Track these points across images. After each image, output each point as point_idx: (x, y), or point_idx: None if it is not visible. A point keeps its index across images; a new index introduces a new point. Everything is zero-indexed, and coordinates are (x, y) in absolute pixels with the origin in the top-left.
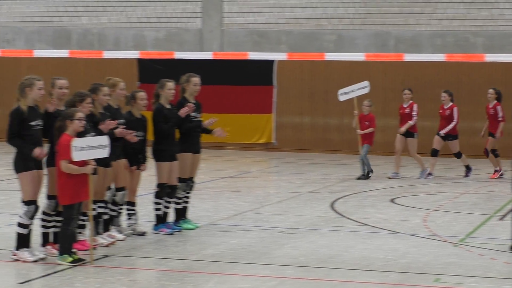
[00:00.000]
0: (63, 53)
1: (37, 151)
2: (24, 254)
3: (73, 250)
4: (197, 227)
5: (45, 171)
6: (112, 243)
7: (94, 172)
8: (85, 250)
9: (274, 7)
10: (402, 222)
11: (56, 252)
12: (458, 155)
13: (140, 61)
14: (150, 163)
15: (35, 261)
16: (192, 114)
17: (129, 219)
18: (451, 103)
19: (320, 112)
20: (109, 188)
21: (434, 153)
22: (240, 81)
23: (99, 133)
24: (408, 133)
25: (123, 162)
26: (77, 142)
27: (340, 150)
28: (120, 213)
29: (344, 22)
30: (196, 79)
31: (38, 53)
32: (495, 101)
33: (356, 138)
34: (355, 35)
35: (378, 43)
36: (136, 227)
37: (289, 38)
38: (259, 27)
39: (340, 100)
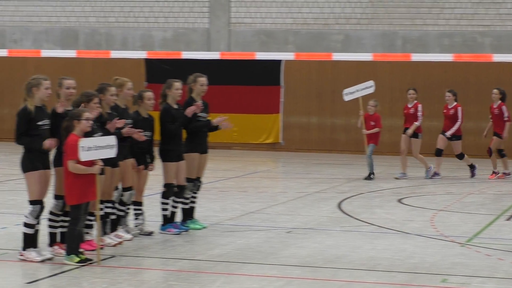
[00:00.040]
0: (71, 53)
1: (47, 142)
2: (31, 254)
3: (80, 250)
4: (204, 227)
5: (52, 171)
6: (119, 243)
7: (102, 172)
8: (92, 250)
9: (281, 7)
10: (409, 222)
11: (63, 252)
12: (460, 156)
13: (148, 61)
14: (157, 163)
15: (42, 261)
16: (199, 114)
17: (136, 219)
18: (455, 103)
19: (327, 112)
20: (116, 188)
21: (438, 152)
22: (247, 81)
23: (107, 133)
24: (413, 134)
25: (130, 162)
26: (84, 142)
27: (347, 150)
28: (127, 213)
29: (352, 22)
30: (203, 79)
31: (45, 53)
32: (500, 101)
33: (363, 138)
34: (362, 35)
35: (386, 43)
36: (143, 227)
37: (296, 38)
38: (266, 27)
39: (345, 100)
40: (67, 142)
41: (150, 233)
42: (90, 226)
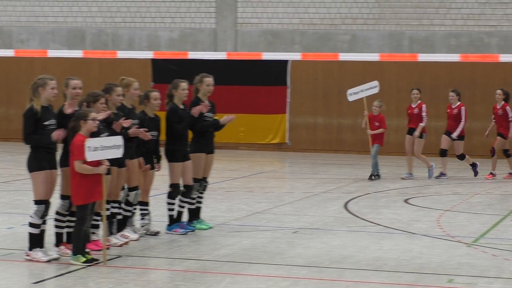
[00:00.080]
0: (77, 53)
1: (55, 134)
2: (37, 254)
3: (87, 250)
4: (210, 227)
5: (59, 171)
6: (126, 243)
7: (108, 172)
8: (99, 250)
9: (288, 7)
10: (415, 223)
11: (69, 252)
12: (461, 157)
13: (154, 61)
14: (163, 163)
15: (48, 261)
16: (206, 114)
17: (142, 219)
18: (458, 103)
19: (334, 113)
20: (123, 188)
21: (443, 153)
22: (254, 81)
23: (113, 133)
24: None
25: (136, 161)
26: (90, 142)
27: (353, 150)
28: (133, 213)
29: (358, 22)
30: (209, 79)
31: (52, 53)
32: (503, 102)
33: (368, 138)
34: (369, 35)
35: (392, 43)
36: (150, 227)
37: (303, 38)
38: (273, 27)
39: (349, 100)
40: (74, 142)
41: (156, 233)
42: (97, 226)
